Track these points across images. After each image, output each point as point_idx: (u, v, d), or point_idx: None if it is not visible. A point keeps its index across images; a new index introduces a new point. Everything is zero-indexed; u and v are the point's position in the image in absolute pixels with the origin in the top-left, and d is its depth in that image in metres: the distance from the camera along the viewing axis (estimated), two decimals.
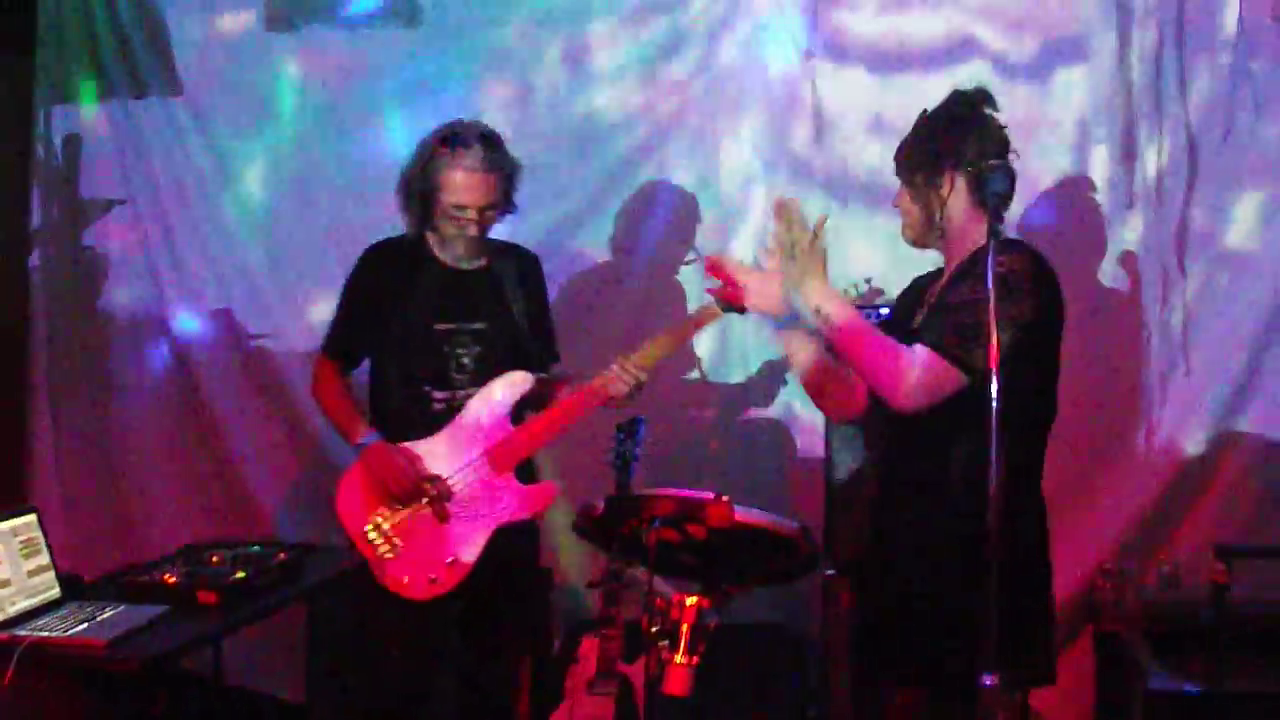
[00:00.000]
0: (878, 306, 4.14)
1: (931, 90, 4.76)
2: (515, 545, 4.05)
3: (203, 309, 5.44)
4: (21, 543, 3.68)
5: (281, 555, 4.18)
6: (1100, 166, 4.88)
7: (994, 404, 2.45)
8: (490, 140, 3.92)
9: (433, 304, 4.00)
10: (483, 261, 4.08)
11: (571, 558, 5.22)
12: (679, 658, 2.62)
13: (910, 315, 3.11)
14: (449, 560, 3.91)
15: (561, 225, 5.22)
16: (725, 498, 2.58)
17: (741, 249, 5.06)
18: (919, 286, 3.25)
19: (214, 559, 4.09)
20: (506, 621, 4.20)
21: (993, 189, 2.75)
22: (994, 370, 2.46)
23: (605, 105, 5.24)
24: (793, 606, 4.99)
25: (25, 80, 5.45)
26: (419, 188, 3.92)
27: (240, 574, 3.91)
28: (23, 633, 3.41)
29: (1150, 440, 4.89)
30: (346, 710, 4.53)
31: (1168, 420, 4.89)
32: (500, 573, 4.00)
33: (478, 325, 4.02)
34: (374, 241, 4.16)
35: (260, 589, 3.95)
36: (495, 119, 5.03)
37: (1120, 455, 4.91)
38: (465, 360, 4.00)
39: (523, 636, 4.38)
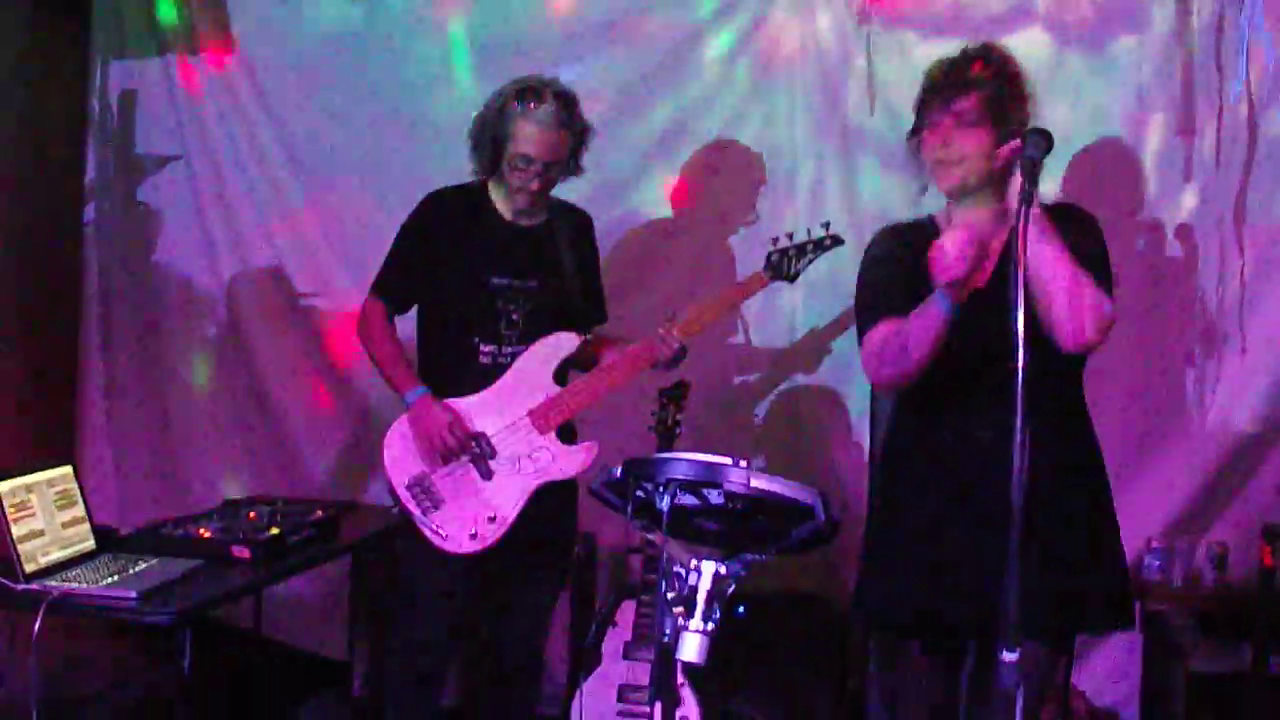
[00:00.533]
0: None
1: None
2: (553, 503, 4.09)
3: (254, 266, 5.44)
4: (57, 494, 3.71)
5: (319, 513, 4.22)
6: (1157, 137, 4.78)
7: (1020, 370, 2.41)
8: (565, 98, 3.96)
9: (489, 258, 4.04)
10: (542, 218, 4.12)
11: (614, 523, 5.21)
12: (695, 624, 2.59)
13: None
14: (490, 516, 3.97)
15: (611, 185, 5.15)
16: (743, 462, 2.54)
17: (791, 214, 5.01)
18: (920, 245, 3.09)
19: (251, 515, 4.12)
20: (540, 577, 4.27)
21: (1029, 154, 2.71)
22: (1020, 335, 2.44)
23: (657, 66, 5.17)
24: (834, 577, 4.97)
25: (82, 36, 5.47)
26: (490, 134, 3.96)
27: (274, 530, 3.93)
28: (54, 583, 3.44)
29: (1203, 417, 4.81)
30: (387, 666, 4.55)
31: (1221, 397, 4.80)
32: (537, 529, 4.06)
33: (531, 283, 4.06)
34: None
35: (294, 545, 3.97)
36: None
37: (1171, 432, 4.84)
38: (515, 317, 4.04)
39: (555, 590, 4.41)
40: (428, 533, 3.96)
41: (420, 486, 4.00)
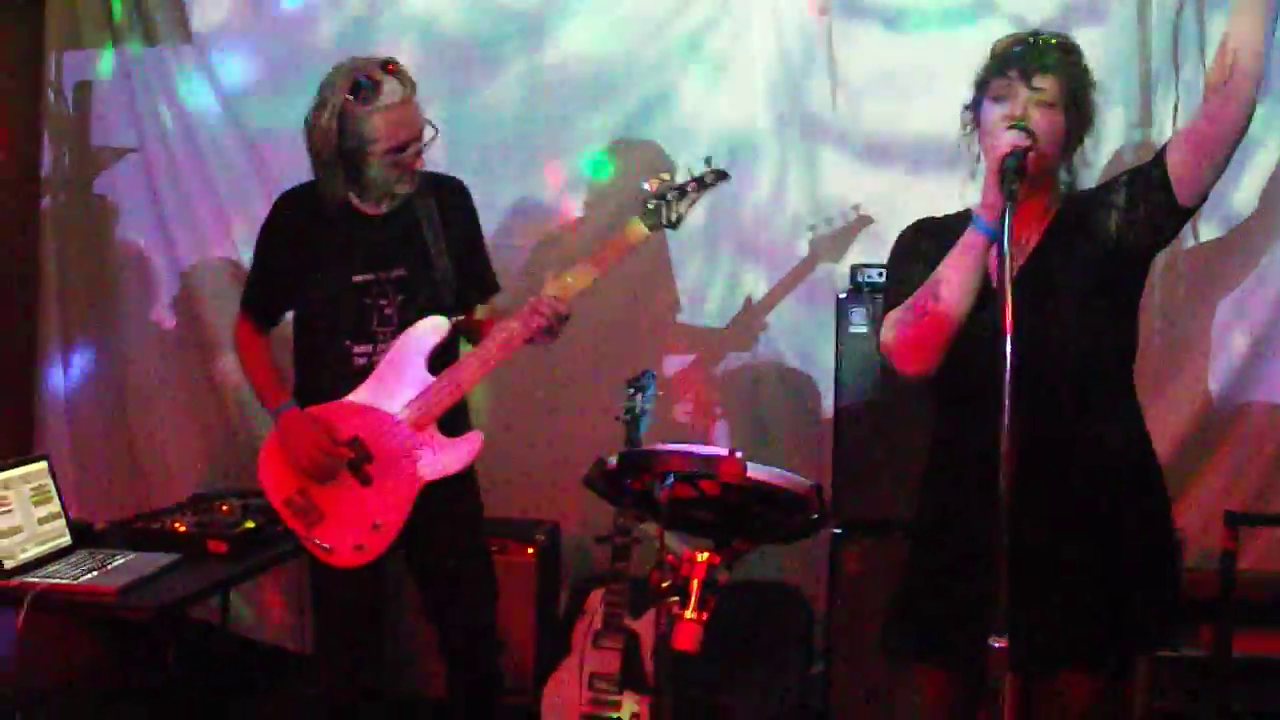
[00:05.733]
0: None
1: (948, 48, 4.76)
2: (453, 498, 3.85)
3: (212, 257, 5.42)
4: (32, 490, 3.70)
5: None
6: (1116, 129, 4.81)
7: (1008, 370, 2.39)
8: (388, 65, 3.67)
9: (349, 254, 3.77)
10: (398, 203, 3.81)
11: (578, 512, 5.24)
12: (689, 613, 2.61)
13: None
14: (374, 525, 3.74)
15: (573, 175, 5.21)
16: (739, 454, 2.57)
17: (753, 207, 5.06)
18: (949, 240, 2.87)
19: (223, 508, 4.13)
20: (463, 574, 3.98)
21: (1022, 144, 2.69)
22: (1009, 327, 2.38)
23: (619, 57, 5.17)
24: (800, 565, 5.01)
25: (36, 26, 5.42)
26: (344, 148, 3.65)
27: (250, 524, 3.93)
28: (33, 579, 3.43)
29: (1159, 405, 4.87)
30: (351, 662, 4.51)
31: (1174, 388, 4.87)
32: (443, 527, 3.85)
33: (398, 273, 3.78)
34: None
35: (269, 539, 3.97)
36: (506, 70, 5.04)
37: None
38: (388, 311, 3.77)
39: (485, 586, 4.07)
40: (312, 548, 3.75)
41: (299, 502, 3.76)
